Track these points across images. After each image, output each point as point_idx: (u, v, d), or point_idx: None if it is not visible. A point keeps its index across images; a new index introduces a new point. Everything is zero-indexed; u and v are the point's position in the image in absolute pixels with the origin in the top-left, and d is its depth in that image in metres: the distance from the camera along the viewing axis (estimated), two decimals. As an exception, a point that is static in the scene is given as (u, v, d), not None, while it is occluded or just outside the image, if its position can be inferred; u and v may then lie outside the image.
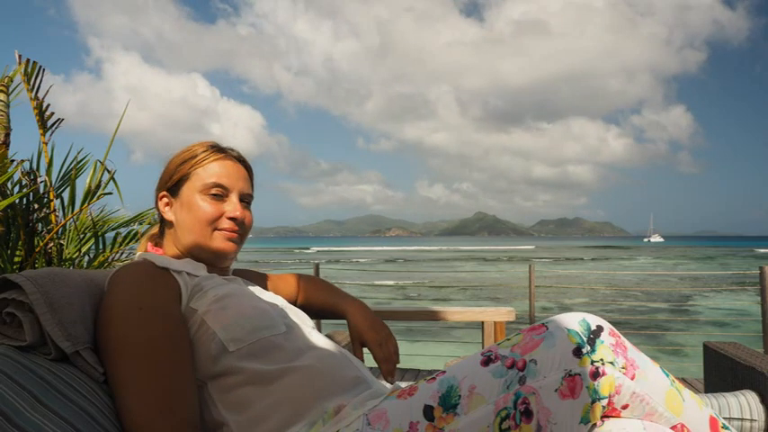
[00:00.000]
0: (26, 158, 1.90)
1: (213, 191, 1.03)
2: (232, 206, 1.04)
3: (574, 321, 0.82)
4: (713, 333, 9.18)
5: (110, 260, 2.13)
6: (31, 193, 1.89)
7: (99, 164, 2.05)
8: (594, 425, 0.80)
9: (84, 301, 0.87)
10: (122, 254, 2.20)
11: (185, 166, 1.05)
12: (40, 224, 1.94)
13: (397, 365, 1.16)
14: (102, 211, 2.27)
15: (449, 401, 0.78)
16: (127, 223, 2.26)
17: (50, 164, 2.02)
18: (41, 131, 2.05)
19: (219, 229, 1.03)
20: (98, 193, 1.97)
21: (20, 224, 1.83)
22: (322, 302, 1.28)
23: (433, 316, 2.10)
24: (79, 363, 0.81)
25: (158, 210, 1.08)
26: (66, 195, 2.05)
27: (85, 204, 2.00)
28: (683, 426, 0.83)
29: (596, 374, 0.77)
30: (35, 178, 1.93)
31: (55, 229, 1.91)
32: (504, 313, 2.10)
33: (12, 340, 0.79)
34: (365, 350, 1.18)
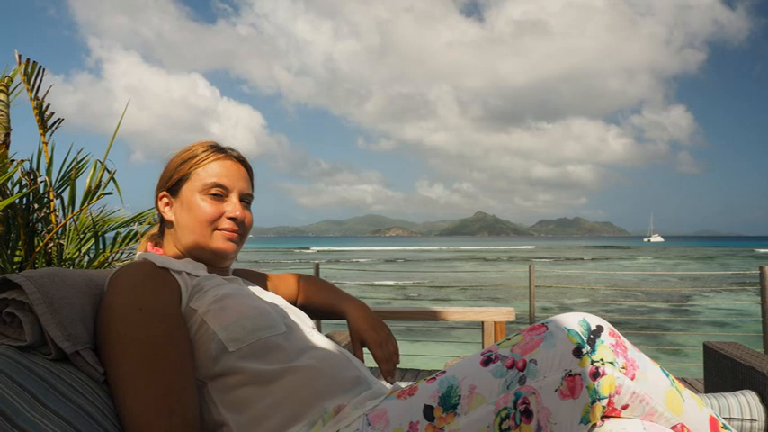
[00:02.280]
0: (26, 158, 1.90)
1: (213, 191, 1.03)
2: (232, 206, 1.04)
3: (574, 321, 0.82)
4: (713, 333, 9.19)
5: (110, 260, 2.13)
6: (31, 193, 1.89)
7: (99, 164, 2.05)
8: (594, 425, 0.80)
9: (85, 301, 0.87)
10: (122, 254, 2.20)
11: (185, 167, 1.05)
12: (40, 224, 1.94)
13: (397, 365, 1.16)
14: (102, 211, 2.28)
15: (449, 401, 0.78)
16: (127, 223, 2.26)
17: (50, 164, 2.02)
18: (41, 131, 2.05)
19: (219, 229, 1.03)
20: (98, 193, 1.97)
21: (20, 224, 1.83)
22: (322, 302, 1.28)
23: (433, 316, 2.10)
24: (79, 363, 0.81)
25: (158, 210, 1.08)
26: (66, 195, 2.05)
27: (85, 204, 2.00)
28: (683, 426, 0.83)
29: (596, 374, 0.77)
30: (35, 178, 1.93)
31: (55, 229, 1.91)
32: (504, 313, 2.10)
33: (12, 340, 0.79)
34: (365, 350, 1.18)
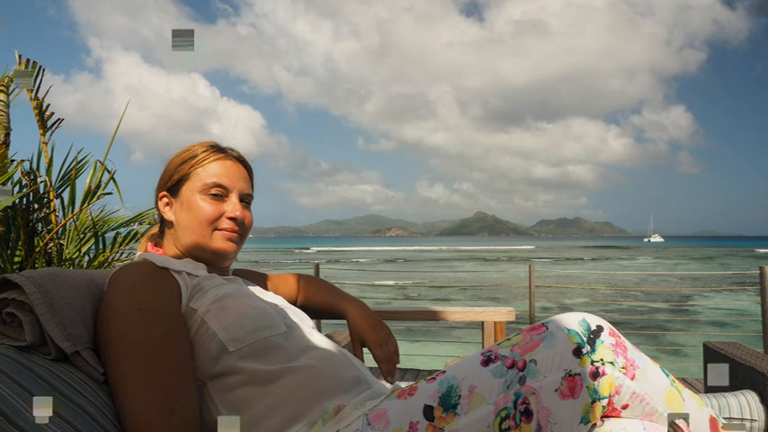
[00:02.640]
0: (26, 158, 1.91)
1: (213, 191, 1.03)
2: (232, 206, 1.04)
3: (574, 321, 0.82)
4: (713, 333, 9.19)
5: (110, 260, 2.13)
6: (31, 193, 1.89)
7: (99, 164, 2.05)
8: (594, 425, 0.80)
9: (85, 301, 0.87)
10: (122, 254, 2.20)
11: (185, 167, 1.05)
12: (40, 224, 1.94)
13: (397, 365, 1.16)
14: (102, 211, 2.27)
15: (449, 401, 0.78)
16: (127, 223, 2.26)
17: (50, 164, 2.02)
18: (41, 131, 2.05)
19: (219, 229, 1.03)
20: (98, 193, 1.97)
21: (20, 224, 1.83)
22: (322, 302, 1.28)
23: (433, 316, 2.09)
24: (79, 363, 0.81)
25: (158, 210, 1.08)
26: (66, 195, 2.05)
27: (85, 204, 2.00)
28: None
29: (596, 374, 0.77)
30: (35, 178, 1.93)
31: (55, 229, 1.91)
32: (504, 313, 2.10)
33: (12, 340, 0.79)
34: (365, 350, 1.18)
